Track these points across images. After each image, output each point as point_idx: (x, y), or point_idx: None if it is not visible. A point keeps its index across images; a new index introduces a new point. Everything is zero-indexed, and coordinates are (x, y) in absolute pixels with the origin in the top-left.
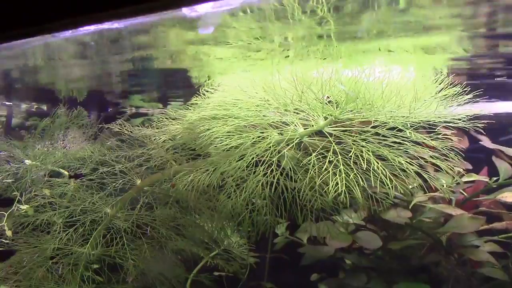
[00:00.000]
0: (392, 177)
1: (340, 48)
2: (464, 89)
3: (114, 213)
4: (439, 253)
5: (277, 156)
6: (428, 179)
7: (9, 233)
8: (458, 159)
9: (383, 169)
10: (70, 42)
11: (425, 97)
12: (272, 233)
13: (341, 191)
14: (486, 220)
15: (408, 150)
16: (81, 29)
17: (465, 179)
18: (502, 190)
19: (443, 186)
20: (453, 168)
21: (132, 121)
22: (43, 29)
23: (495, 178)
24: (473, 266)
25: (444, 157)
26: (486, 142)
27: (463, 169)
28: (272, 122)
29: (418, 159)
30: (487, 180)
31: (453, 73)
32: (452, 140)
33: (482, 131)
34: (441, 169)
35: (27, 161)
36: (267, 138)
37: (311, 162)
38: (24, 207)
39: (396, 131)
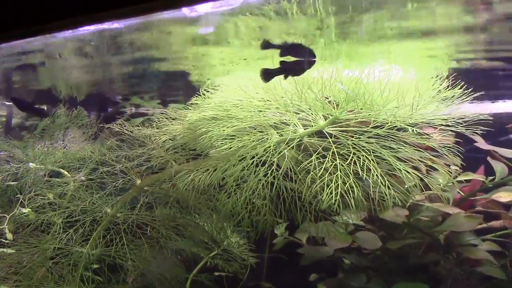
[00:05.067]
0: (390, 177)
1: (341, 48)
2: (464, 90)
3: (114, 213)
4: (438, 252)
5: (277, 157)
6: (427, 179)
7: (9, 236)
8: (457, 158)
9: (378, 171)
10: (70, 42)
11: (426, 98)
12: (272, 233)
13: (336, 197)
14: (484, 219)
15: (407, 151)
16: (81, 29)
17: (462, 178)
18: (498, 189)
19: (440, 185)
20: (449, 167)
21: (132, 121)
22: (43, 29)
23: (491, 178)
24: (471, 265)
25: (442, 157)
26: (481, 144)
27: (459, 168)
28: (273, 122)
29: (416, 160)
30: (483, 179)
31: (454, 73)
32: (449, 140)
33: (480, 131)
34: (437, 169)
35: (31, 164)
36: (267, 140)
37: (311, 163)
38: (25, 210)
39: (395, 130)
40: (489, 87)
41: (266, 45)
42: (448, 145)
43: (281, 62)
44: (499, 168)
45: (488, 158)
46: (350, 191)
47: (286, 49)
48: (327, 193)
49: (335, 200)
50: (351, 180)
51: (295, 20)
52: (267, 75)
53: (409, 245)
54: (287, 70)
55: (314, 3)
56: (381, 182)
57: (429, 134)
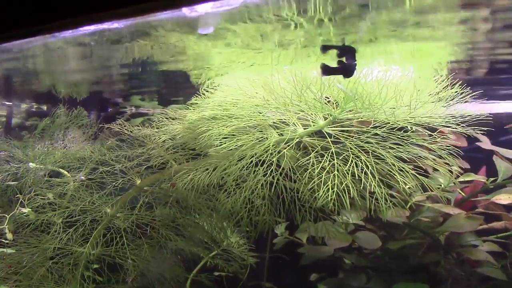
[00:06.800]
0: (390, 178)
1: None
2: (464, 90)
3: (114, 212)
4: (438, 253)
5: (276, 156)
6: (426, 180)
7: (9, 236)
8: (456, 158)
9: (377, 172)
10: (70, 42)
11: (424, 98)
12: (272, 233)
13: (332, 195)
14: (485, 219)
15: (407, 151)
16: (81, 29)
17: (463, 179)
18: (499, 190)
19: (441, 186)
20: (451, 168)
21: (132, 121)
22: (43, 29)
23: (492, 179)
24: (471, 265)
25: (442, 157)
26: (484, 143)
27: (461, 169)
28: (272, 122)
29: (416, 160)
30: (484, 180)
31: (453, 73)
32: (450, 139)
33: (482, 132)
34: (438, 170)
35: (31, 164)
36: (267, 139)
37: (310, 163)
38: (25, 210)
39: (396, 130)
40: (487, 88)
41: (326, 47)
42: (451, 146)
43: (339, 62)
44: (503, 168)
45: (494, 158)
46: (347, 191)
47: (343, 50)
48: (323, 191)
49: (331, 199)
50: (348, 180)
51: (294, 19)
52: (325, 71)
53: (409, 245)
54: (344, 70)
55: (314, 3)
56: (380, 183)
57: (431, 135)
